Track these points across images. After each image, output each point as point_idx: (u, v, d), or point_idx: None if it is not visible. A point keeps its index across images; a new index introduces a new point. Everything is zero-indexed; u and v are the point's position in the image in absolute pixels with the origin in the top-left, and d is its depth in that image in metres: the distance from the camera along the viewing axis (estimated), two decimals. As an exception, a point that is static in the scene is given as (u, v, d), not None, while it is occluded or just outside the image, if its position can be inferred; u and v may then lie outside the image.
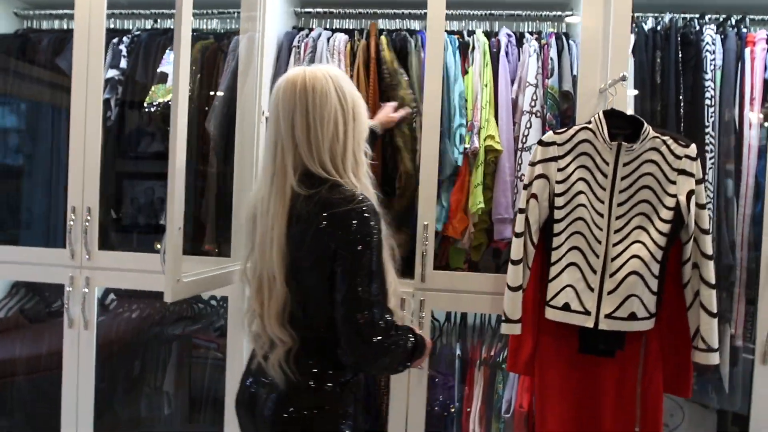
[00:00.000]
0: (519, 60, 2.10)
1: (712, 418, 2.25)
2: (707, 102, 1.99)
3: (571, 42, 2.10)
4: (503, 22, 2.28)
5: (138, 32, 2.36)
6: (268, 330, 1.25)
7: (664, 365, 1.76)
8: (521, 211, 1.78)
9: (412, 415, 2.01)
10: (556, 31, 2.24)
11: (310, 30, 2.23)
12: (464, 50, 2.12)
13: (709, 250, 1.68)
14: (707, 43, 2.02)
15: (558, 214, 1.74)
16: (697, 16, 2.13)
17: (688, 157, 1.67)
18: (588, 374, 1.78)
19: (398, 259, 1.33)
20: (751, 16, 2.16)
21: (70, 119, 2.08)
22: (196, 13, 2.39)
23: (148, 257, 2.09)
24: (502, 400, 2.10)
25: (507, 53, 2.10)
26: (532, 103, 2.00)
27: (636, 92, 2.01)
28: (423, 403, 2.02)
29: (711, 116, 1.99)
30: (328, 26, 2.36)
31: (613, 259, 1.69)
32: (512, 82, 2.09)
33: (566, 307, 1.72)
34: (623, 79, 1.71)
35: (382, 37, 2.13)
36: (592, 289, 1.70)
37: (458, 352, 2.25)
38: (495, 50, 2.10)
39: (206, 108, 2.16)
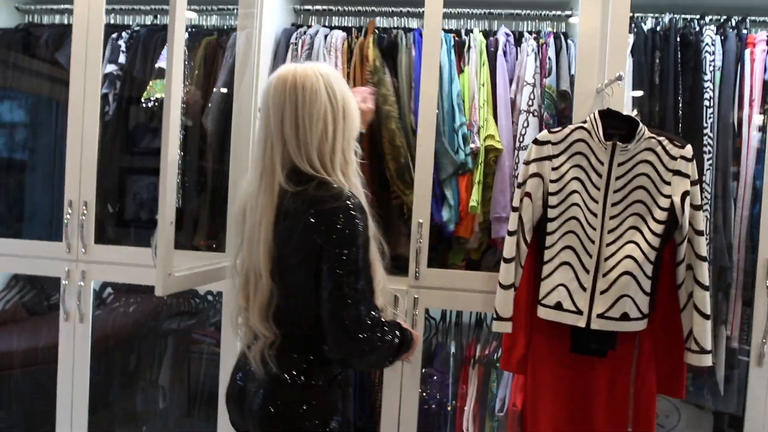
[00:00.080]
0: (517, 59, 2.10)
1: (708, 419, 2.24)
2: (706, 103, 1.98)
3: (569, 42, 2.10)
4: (502, 21, 2.27)
5: (137, 28, 2.36)
6: (252, 324, 1.26)
7: (658, 366, 1.76)
8: (515, 209, 1.78)
9: (404, 412, 2.02)
10: (555, 30, 2.23)
11: (309, 27, 2.23)
12: (460, 49, 2.11)
13: (704, 252, 1.67)
14: (707, 44, 2.01)
15: (551, 213, 1.73)
16: (698, 17, 2.12)
17: (683, 158, 1.66)
18: (580, 374, 1.78)
19: (388, 256, 1.33)
20: (752, 17, 2.14)
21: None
22: (200, 10, 2.40)
23: (145, 251, 2.07)
24: (496, 398, 2.10)
25: (505, 52, 2.10)
26: (530, 103, 2.00)
27: (640, 93, 2.00)
28: (416, 400, 2.03)
29: (709, 117, 1.98)
30: (327, 24, 2.36)
31: (606, 259, 1.68)
32: (510, 82, 2.08)
33: (558, 306, 1.71)
34: (619, 78, 1.70)
35: (369, 35, 2.12)
36: (584, 289, 1.69)
37: (452, 350, 2.25)
38: (493, 49, 2.10)
39: (209, 104, 2.16)
